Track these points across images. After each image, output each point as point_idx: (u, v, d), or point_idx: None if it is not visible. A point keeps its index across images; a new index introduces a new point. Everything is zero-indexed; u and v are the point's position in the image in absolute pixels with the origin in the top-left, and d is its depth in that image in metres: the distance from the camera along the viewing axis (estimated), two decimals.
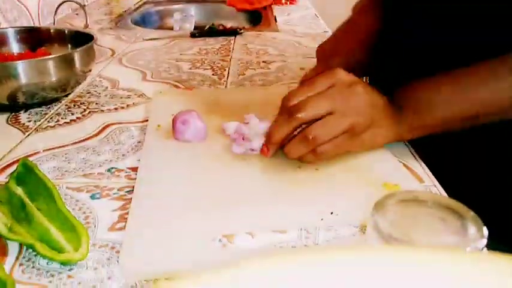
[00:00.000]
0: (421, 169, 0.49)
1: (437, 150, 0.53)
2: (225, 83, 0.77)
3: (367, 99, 0.46)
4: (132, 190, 0.44)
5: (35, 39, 0.74)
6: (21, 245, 0.37)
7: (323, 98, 0.45)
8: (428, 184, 0.46)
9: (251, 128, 0.51)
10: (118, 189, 0.45)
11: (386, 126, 0.47)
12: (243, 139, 0.50)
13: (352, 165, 0.48)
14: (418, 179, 0.47)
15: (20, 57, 0.70)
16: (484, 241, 0.25)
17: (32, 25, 1.04)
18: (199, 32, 1.09)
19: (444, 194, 0.45)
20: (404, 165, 0.49)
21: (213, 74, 0.81)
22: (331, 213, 0.40)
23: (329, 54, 0.61)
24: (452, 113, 0.46)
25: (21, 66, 0.59)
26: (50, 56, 0.63)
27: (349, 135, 0.45)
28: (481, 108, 0.45)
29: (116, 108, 0.65)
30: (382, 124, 0.47)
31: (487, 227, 0.26)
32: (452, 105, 0.46)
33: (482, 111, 0.46)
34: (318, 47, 0.63)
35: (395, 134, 0.48)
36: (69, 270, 0.35)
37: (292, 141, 0.46)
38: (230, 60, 0.90)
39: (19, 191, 0.42)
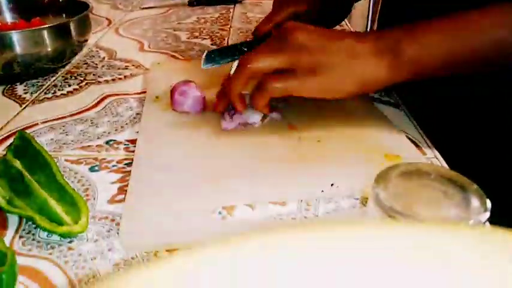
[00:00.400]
0: (424, 141, 0.48)
1: (440, 124, 0.52)
2: None
3: (322, 38, 0.43)
4: (131, 162, 0.43)
5: (28, 8, 0.72)
6: (20, 218, 0.37)
7: (268, 48, 0.44)
8: (430, 156, 0.46)
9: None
10: (117, 162, 0.44)
11: (360, 63, 0.42)
12: (233, 114, 0.49)
13: (353, 137, 0.47)
14: (421, 151, 0.46)
15: (15, 26, 0.69)
16: (487, 214, 0.25)
17: None
18: (198, 0, 1.06)
19: (446, 166, 0.44)
20: (407, 137, 0.48)
21: (211, 44, 0.79)
22: (332, 185, 0.40)
23: (284, 1, 0.61)
24: (447, 50, 0.42)
25: (16, 36, 0.57)
26: (45, 26, 0.61)
27: (298, 77, 0.43)
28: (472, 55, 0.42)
29: (113, 79, 0.64)
30: (347, 64, 0.42)
31: (490, 201, 0.26)
32: (448, 42, 0.42)
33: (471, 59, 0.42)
34: None
35: (375, 70, 0.42)
36: (69, 242, 0.35)
37: (252, 92, 0.45)
38: (229, 29, 0.88)
39: (17, 163, 0.41)
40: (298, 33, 0.43)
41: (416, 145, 0.47)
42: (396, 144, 0.46)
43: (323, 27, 0.45)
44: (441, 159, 0.45)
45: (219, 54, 0.54)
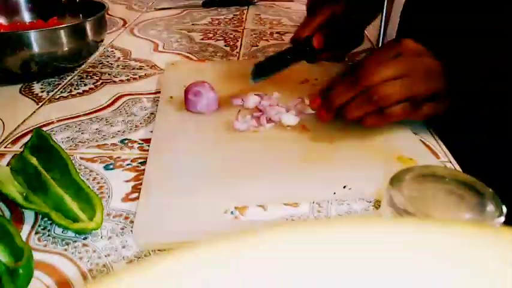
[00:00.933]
0: (437, 145, 0.48)
1: (453, 128, 0.52)
2: (237, 54, 0.76)
3: (433, 69, 0.44)
4: (145, 161, 0.44)
5: (46, 8, 0.73)
6: (36, 214, 0.38)
7: (390, 64, 0.44)
8: (444, 160, 0.46)
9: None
10: (131, 160, 0.45)
11: (444, 98, 0.45)
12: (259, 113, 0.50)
13: (367, 139, 0.47)
14: (434, 155, 0.46)
15: (32, 26, 0.70)
16: (502, 219, 0.25)
17: None
18: (212, 2, 1.07)
19: (460, 170, 0.44)
20: (421, 140, 0.48)
21: (225, 45, 0.80)
22: (344, 187, 0.40)
23: (319, 2, 0.59)
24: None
25: (33, 36, 0.58)
26: (62, 25, 0.62)
27: (414, 104, 0.44)
28: None
29: (128, 79, 0.64)
30: (443, 96, 0.45)
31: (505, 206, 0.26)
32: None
33: None
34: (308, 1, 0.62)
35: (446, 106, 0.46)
36: (83, 239, 0.35)
37: (355, 100, 0.45)
38: (243, 31, 0.88)
39: (34, 160, 0.42)
40: (423, 58, 0.44)
41: (430, 149, 0.47)
42: (410, 147, 0.46)
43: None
44: (455, 163, 0.45)
45: (267, 66, 0.53)
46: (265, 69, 0.53)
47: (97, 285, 0.16)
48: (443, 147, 0.48)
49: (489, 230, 0.17)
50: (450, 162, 0.45)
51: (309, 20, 0.57)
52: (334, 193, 0.40)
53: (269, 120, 0.50)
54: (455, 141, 0.48)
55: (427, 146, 0.48)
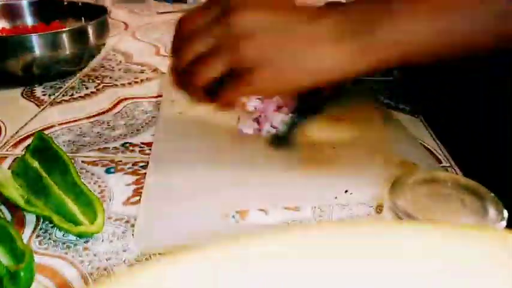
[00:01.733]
0: (439, 149, 0.48)
1: (456, 133, 0.52)
2: None
3: (253, 27, 0.34)
4: (147, 165, 0.44)
5: (48, 12, 0.74)
6: (38, 217, 0.38)
7: (203, 34, 0.36)
8: (446, 165, 0.46)
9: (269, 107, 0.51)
10: (132, 164, 0.45)
11: (336, 43, 0.35)
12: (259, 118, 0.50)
13: (369, 144, 0.47)
14: (436, 159, 0.46)
15: (35, 29, 0.70)
16: (504, 223, 0.25)
17: None
18: None
19: (461, 174, 0.44)
20: (422, 144, 0.48)
21: None
22: (346, 191, 0.40)
23: None
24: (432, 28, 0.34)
25: (35, 39, 0.59)
26: (64, 29, 0.62)
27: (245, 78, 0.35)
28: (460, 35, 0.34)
29: (129, 83, 0.64)
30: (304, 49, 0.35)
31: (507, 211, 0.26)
32: (448, 20, 0.34)
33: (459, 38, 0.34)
34: None
35: (356, 54, 0.35)
36: (84, 242, 0.35)
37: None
38: None
39: (35, 163, 0.42)
40: (242, 15, 0.34)
41: (432, 153, 0.47)
42: (412, 152, 0.46)
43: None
44: (456, 167, 0.45)
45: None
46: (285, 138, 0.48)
47: None
48: (445, 151, 0.48)
49: (490, 232, 0.17)
50: (451, 166, 0.45)
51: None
52: (336, 197, 0.40)
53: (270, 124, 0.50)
54: (456, 144, 0.48)
55: (429, 150, 0.47)
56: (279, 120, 0.50)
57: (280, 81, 0.36)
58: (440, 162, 0.46)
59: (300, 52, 0.35)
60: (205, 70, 0.36)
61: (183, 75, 0.38)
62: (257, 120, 0.51)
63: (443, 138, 0.50)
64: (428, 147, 0.48)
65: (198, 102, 0.40)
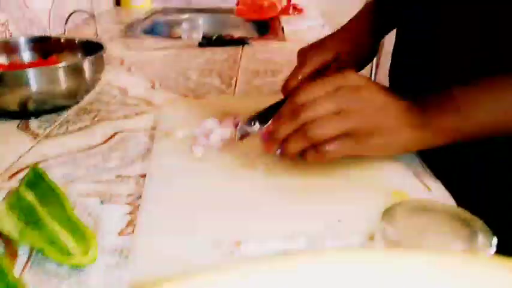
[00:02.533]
0: (429, 177, 0.49)
1: (444, 160, 0.53)
2: (232, 92, 0.78)
3: (376, 103, 0.44)
4: (141, 196, 0.44)
5: (46, 47, 0.75)
6: (31, 249, 0.38)
7: (329, 98, 0.44)
8: (437, 194, 0.46)
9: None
10: (127, 196, 0.45)
11: (405, 132, 0.45)
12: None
13: (360, 173, 0.48)
14: (427, 187, 0.47)
15: (31, 65, 0.72)
16: (493, 249, 0.25)
17: (43, 34, 1.05)
18: (207, 42, 1.10)
19: (453, 202, 0.45)
20: (413, 174, 0.49)
21: (221, 83, 0.82)
22: (339, 221, 0.40)
23: (309, 50, 0.60)
24: (490, 117, 0.44)
25: (32, 74, 0.60)
26: (61, 64, 0.64)
27: (355, 139, 0.44)
28: None
29: (124, 116, 0.65)
30: (397, 130, 0.44)
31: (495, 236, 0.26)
32: (491, 109, 0.44)
33: None
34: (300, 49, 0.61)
35: (417, 140, 0.45)
36: (78, 274, 0.35)
37: (293, 136, 0.45)
38: (238, 69, 0.90)
39: (29, 196, 0.42)
40: (362, 92, 0.44)
41: (423, 182, 0.48)
42: (403, 181, 0.47)
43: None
44: (446, 194, 0.46)
45: (258, 120, 0.52)
46: (256, 123, 0.52)
47: None
48: (436, 180, 0.48)
49: (478, 259, 0.18)
50: (442, 195, 0.46)
51: (298, 69, 0.57)
52: (328, 227, 0.40)
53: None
54: (448, 172, 0.49)
55: (420, 179, 0.48)
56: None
57: (344, 150, 0.45)
58: (429, 189, 0.46)
59: (388, 133, 0.45)
60: (327, 128, 0.43)
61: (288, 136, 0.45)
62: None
63: (434, 166, 0.51)
64: (419, 175, 0.49)
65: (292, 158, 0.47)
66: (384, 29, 0.67)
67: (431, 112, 0.44)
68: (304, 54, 0.59)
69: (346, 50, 0.61)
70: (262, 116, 0.53)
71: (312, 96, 0.45)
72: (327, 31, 1.27)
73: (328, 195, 0.45)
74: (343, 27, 0.65)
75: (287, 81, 0.56)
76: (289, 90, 0.55)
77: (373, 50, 0.65)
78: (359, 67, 0.64)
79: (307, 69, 0.56)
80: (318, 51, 0.59)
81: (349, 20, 0.66)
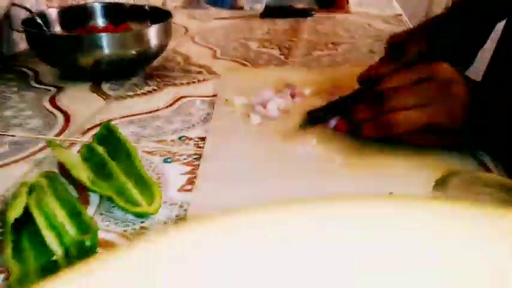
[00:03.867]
0: (488, 159, 0.47)
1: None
2: (292, 62, 0.78)
3: (462, 103, 0.42)
4: (200, 157, 0.47)
5: (118, 14, 0.79)
6: (101, 197, 0.42)
7: (416, 91, 0.43)
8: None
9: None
10: (187, 156, 0.48)
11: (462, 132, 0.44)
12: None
13: (415, 150, 0.47)
14: (486, 169, 0.45)
15: (105, 30, 0.76)
16: None
17: (116, 1, 1.10)
18: (270, 12, 1.10)
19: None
20: (472, 156, 0.47)
21: (280, 54, 0.82)
22: (391, 193, 0.41)
23: (403, 40, 0.55)
24: None
25: (105, 38, 0.64)
26: (131, 31, 0.67)
27: (432, 135, 0.44)
28: None
29: (187, 83, 0.68)
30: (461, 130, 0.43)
31: None
32: None
33: None
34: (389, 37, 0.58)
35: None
36: (141, 222, 0.38)
37: (373, 121, 0.45)
38: (298, 41, 0.90)
39: (101, 150, 0.46)
40: (452, 88, 0.42)
41: (481, 163, 0.46)
42: (460, 161, 0.46)
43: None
44: (503, 173, 0.44)
45: (323, 112, 0.52)
46: (319, 118, 0.51)
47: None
48: (496, 162, 0.47)
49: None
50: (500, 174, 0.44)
51: (383, 61, 0.53)
52: None
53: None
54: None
55: (478, 160, 0.47)
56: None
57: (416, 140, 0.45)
58: (489, 171, 0.45)
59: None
60: (409, 122, 0.43)
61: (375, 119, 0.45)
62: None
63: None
64: (480, 157, 0.47)
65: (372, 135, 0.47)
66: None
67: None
68: (397, 44, 0.55)
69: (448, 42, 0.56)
70: (334, 107, 0.52)
71: (399, 85, 0.44)
72: (395, 5, 1.22)
73: (380, 168, 0.45)
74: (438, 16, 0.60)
75: (370, 69, 0.51)
76: (366, 79, 0.51)
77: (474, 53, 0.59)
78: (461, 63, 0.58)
79: (402, 61, 0.50)
80: (414, 43, 0.53)
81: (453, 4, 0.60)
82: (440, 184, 0.28)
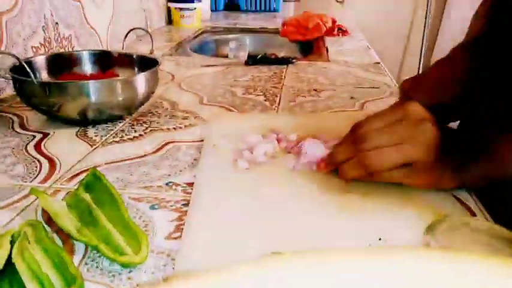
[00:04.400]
0: (473, 202, 0.48)
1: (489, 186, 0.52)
2: (276, 108, 0.80)
3: (433, 139, 0.45)
4: (188, 203, 0.46)
5: (105, 61, 0.81)
6: (86, 247, 0.41)
7: (387, 131, 0.45)
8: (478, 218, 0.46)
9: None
10: (175, 202, 0.48)
11: (451, 170, 0.46)
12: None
13: (401, 194, 0.48)
14: (471, 212, 0.46)
15: (92, 77, 0.77)
16: None
17: (103, 49, 1.12)
18: (253, 60, 1.13)
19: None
20: (456, 197, 0.48)
21: (265, 100, 0.84)
22: (380, 239, 0.41)
23: (411, 89, 0.57)
24: None
25: (92, 86, 0.64)
26: (119, 78, 0.68)
27: (409, 171, 0.45)
28: None
29: (174, 128, 0.69)
30: (449, 167, 0.46)
31: None
32: None
33: None
34: (403, 81, 0.59)
35: (459, 180, 0.47)
36: (128, 272, 0.37)
37: (348, 162, 0.48)
38: (282, 87, 0.93)
39: (87, 197, 0.46)
40: (425, 125, 0.45)
41: (466, 206, 0.47)
42: (445, 204, 0.46)
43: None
44: (490, 219, 0.45)
45: None
46: None
47: None
48: (479, 204, 0.48)
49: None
50: (487, 220, 0.45)
51: (398, 103, 0.52)
52: (370, 245, 0.41)
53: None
54: (492, 199, 0.49)
55: (463, 203, 0.48)
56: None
57: (397, 180, 0.47)
58: (474, 215, 0.46)
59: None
60: (385, 160, 0.45)
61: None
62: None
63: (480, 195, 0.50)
64: (463, 199, 0.48)
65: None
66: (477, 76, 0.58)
67: (468, 157, 0.46)
68: (405, 88, 0.57)
69: (446, 94, 0.56)
70: None
71: (374, 127, 0.46)
72: (373, 53, 1.27)
73: (368, 213, 0.45)
74: (441, 61, 0.60)
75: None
76: None
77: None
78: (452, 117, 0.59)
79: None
80: (419, 91, 0.56)
81: (452, 52, 0.61)
82: (431, 230, 0.28)
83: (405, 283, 0.17)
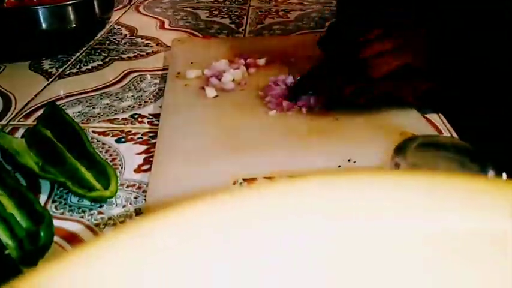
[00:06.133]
0: (440, 121, 0.49)
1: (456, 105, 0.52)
2: (243, 31, 0.76)
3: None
4: (155, 135, 0.45)
5: None
6: (52, 184, 0.39)
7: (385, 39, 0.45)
8: (447, 135, 0.47)
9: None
10: (142, 134, 0.46)
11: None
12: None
13: (371, 116, 0.48)
14: (437, 130, 0.47)
15: (40, 2, 0.70)
16: None
17: None
18: None
19: None
20: (424, 116, 0.49)
21: (230, 23, 0.80)
22: (349, 160, 0.41)
23: None
24: None
25: (41, 12, 0.59)
26: (70, 2, 0.63)
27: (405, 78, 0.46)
28: None
29: (135, 56, 0.65)
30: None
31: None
32: None
33: None
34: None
35: None
36: (99, 207, 0.37)
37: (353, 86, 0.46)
38: (248, 8, 0.88)
39: (47, 132, 0.43)
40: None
41: (434, 125, 0.48)
42: (413, 123, 0.47)
43: None
44: (455, 136, 0.46)
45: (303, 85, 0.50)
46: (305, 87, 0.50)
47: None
48: (447, 124, 0.49)
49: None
50: (453, 137, 0.46)
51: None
52: (339, 166, 0.41)
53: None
54: (458, 118, 0.49)
55: (430, 122, 0.48)
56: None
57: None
58: (441, 133, 0.47)
59: None
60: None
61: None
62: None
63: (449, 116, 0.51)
64: (430, 118, 0.49)
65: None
66: None
67: None
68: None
69: None
70: (310, 78, 0.50)
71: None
72: None
73: (338, 135, 0.45)
74: None
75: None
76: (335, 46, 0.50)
77: None
78: None
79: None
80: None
81: None
82: (399, 150, 0.28)
83: (378, 204, 0.17)
